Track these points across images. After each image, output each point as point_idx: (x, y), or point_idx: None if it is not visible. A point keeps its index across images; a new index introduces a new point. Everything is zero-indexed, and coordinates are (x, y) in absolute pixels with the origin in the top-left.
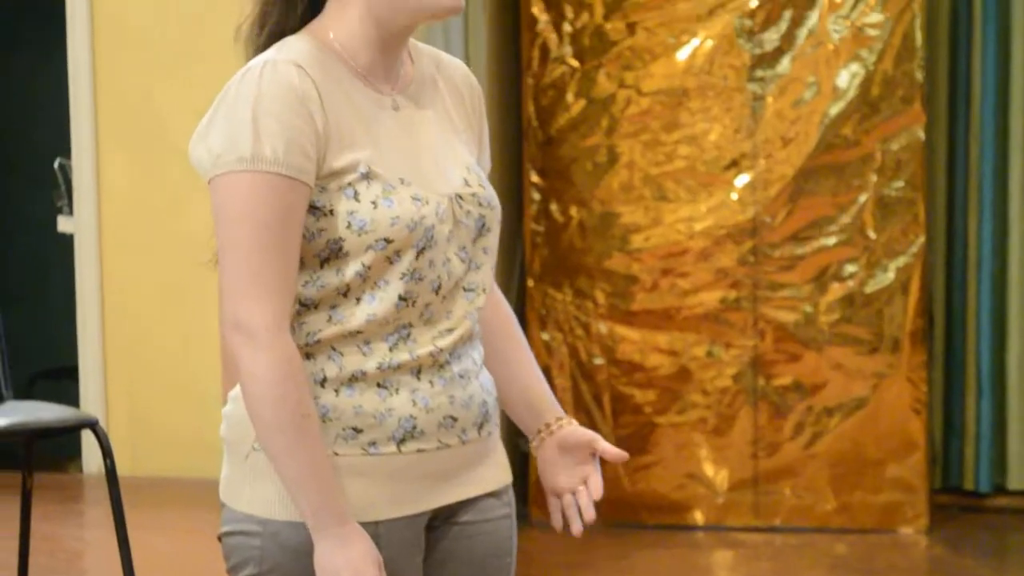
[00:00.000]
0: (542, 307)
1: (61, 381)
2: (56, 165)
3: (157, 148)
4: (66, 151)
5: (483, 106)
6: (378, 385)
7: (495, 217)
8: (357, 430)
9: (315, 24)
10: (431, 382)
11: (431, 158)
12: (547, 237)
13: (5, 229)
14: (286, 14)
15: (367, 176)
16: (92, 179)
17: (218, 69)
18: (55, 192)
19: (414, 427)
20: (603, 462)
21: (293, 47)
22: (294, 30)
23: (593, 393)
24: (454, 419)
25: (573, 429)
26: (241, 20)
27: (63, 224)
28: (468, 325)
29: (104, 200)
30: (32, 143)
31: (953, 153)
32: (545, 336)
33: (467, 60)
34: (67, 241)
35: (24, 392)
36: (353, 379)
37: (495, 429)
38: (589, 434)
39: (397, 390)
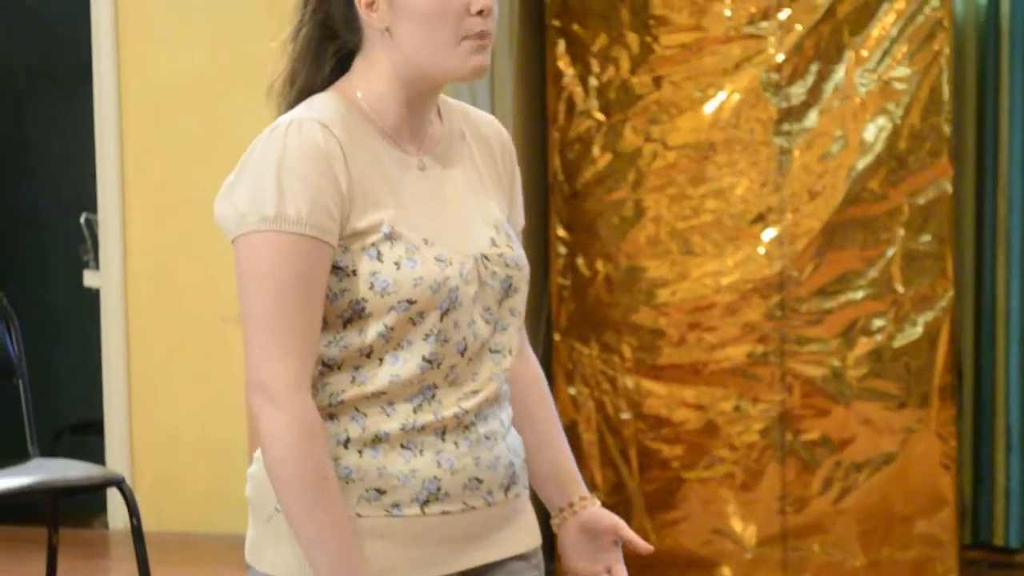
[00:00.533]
0: (568, 361)
1: (87, 435)
2: (82, 220)
3: (183, 203)
4: (92, 206)
5: (515, 161)
6: (402, 446)
7: (523, 278)
8: (380, 491)
9: (343, 82)
10: (456, 443)
11: (457, 218)
12: (573, 291)
13: (31, 283)
14: (315, 72)
15: (390, 237)
16: (118, 233)
17: (245, 125)
18: (81, 246)
19: (438, 488)
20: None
21: (319, 106)
22: (323, 87)
23: (620, 448)
24: (480, 481)
25: (596, 511)
26: (271, 76)
27: (89, 279)
28: (494, 387)
29: (130, 254)
30: (58, 198)
31: (981, 206)
32: (572, 391)
33: (493, 113)
34: (93, 295)
35: (50, 447)
36: (376, 440)
37: (523, 491)
38: (613, 520)
39: (421, 451)
